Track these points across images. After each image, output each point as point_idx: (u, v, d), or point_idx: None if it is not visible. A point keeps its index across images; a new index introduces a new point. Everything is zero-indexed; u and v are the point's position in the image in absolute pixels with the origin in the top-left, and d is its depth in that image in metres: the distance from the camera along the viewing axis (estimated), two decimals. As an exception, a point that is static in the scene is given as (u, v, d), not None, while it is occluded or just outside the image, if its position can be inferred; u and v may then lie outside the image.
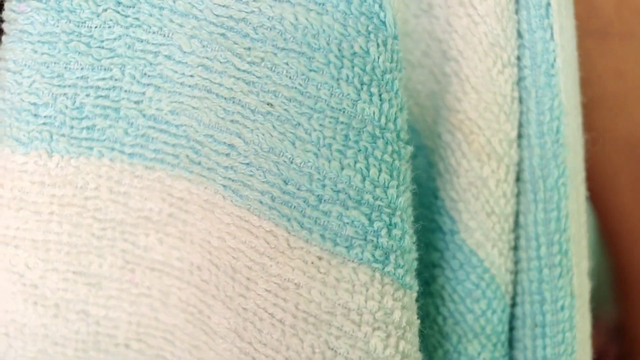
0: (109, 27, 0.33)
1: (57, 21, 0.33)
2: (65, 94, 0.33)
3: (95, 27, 0.33)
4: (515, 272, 0.35)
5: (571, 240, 0.34)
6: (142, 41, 0.33)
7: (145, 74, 0.33)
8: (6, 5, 0.33)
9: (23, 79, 0.33)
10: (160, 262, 0.34)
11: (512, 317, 0.35)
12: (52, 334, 0.34)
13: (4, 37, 0.34)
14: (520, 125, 0.34)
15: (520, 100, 0.34)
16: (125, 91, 0.33)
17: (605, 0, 0.39)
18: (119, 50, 0.33)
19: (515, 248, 0.35)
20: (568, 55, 0.34)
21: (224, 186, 0.33)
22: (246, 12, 0.31)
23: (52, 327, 0.34)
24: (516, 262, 0.35)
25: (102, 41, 0.33)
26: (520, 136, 0.34)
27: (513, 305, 0.35)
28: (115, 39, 0.33)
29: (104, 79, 0.33)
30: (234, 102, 0.32)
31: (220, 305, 0.33)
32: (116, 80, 0.33)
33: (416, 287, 0.31)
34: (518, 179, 0.34)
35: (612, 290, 0.53)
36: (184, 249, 0.34)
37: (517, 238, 0.35)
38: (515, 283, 0.35)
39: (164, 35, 0.33)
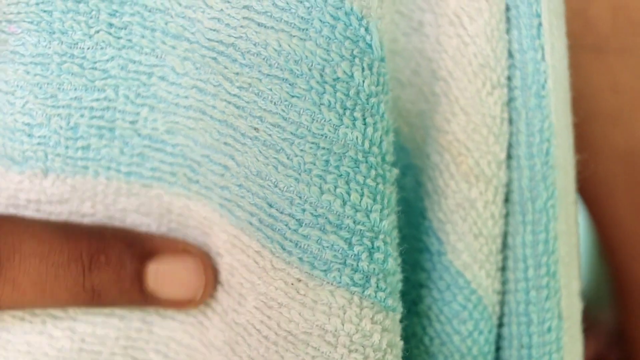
0: (102, 48, 0.33)
1: (49, 42, 0.33)
2: (59, 115, 0.33)
3: (88, 49, 0.33)
4: (503, 293, 0.35)
5: (560, 262, 0.34)
6: (135, 62, 0.33)
7: (139, 94, 0.33)
8: None
9: (16, 100, 0.33)
10: None
11: (499, 337, 0.35)
12: (34, 351, 0.34)
13: None
14: (510, 146, 0.34)
15: (510, 121, 0.34)
16: (120, 111, 0.34)
17: (601, 15, 0.38)
18: (112, 72, 0.33)
19: (503, 269, 0.35)
20: (559, 75, 0.34)
21: (220, 205, 0.33)
22: (234, 38, 0.31)
23: (35, 345, 0.34)
24: (504, 283, 0.35)
25: (95, 62, 0.33)
26: (509, 157, 0.34)
27: (500, 325, 0.35)
28: (108, 60, 0.33)
29: (97, 99, 0.33)
30: (226, 125, 0.32)
31: (218, 319, 0.34)
32: (110, 100, 0.34)
33: (400, 309, 0.32)
34: (507, 200, 0.34)
35: (611, 294, 0.53)
36: None
37: (505, 259, 0.35)
38: (502, 303, 0.35)
39: (157, 57, 0.33)
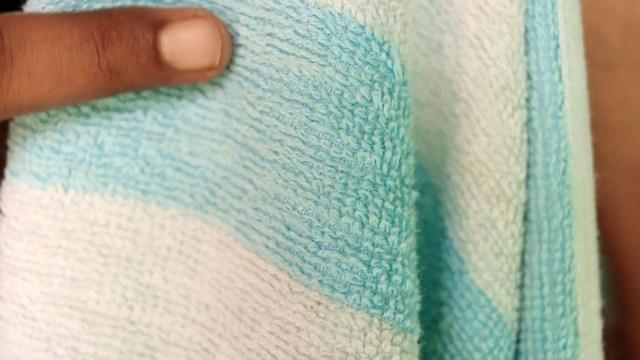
0: None
1: None
2: (88, 132, 0.34)
3: None
4: (520, 309, 0.35)
5: (576, 281, 0.34)
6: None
7: (167, 116, 0.34)
8: None
9: (49, 118, 0.34)
10: (164, 299, 0.35)
11: (516, 353, 0.35)
12: None
13: None
14: (528, 166, 0.35)
15: (528, 142, 0.34)
16: (146, 132, 0.34)
17: (612, 32, 0.39)
18: (144, 93, 0.34)
19: (521, 286, 0.35)
20: (577, 96, 0.34)
21: (236, 228, 0.33)
22: (258, 64, 0.32)
23: None
24: (521, 300, 0.35)
25: None
26: (527, 177, 0.35)
27: (517, 341, 0.35)
28: None
29: (127, 119, 0.34)
30: (247, 148, 0.33)
31: (226, 345, 0.34)
32: (139, 121, 0.34)
33: (418, 330, 0.32)
34: (525, 219, 0.35)
35: (611, 295, 0.53)
36: (192, 287, 0.35)
37: (522, 276, 0.35)
38: (519, 320, 0.35)
39: None
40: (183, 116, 0.34)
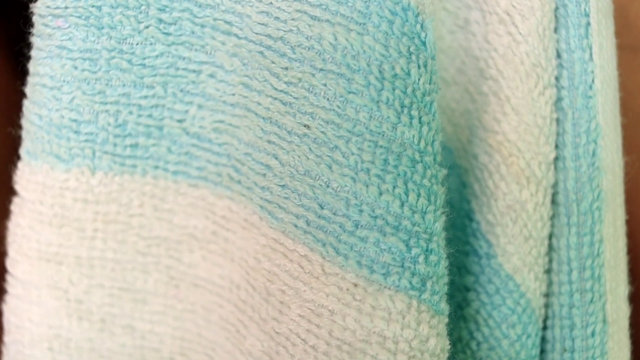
0: (151, 44, 0.32)
1: (97, 37, 0.32)
2: (107, 111, 0.33)
3: (137, 44, 0.32)
4: (547, 295, 0.34)
5: (605, 266, 0.33)
6: (184, 59, 0.32)
7: (188, 92, 0.32)
8: (37, 19, 0.32)
9: (62, 95, 0.32)
10: (204, 278, 0.34)
11: (543, 340, 0.34)
12: (98, 347, 0.34)
13: (35, 52, 0.32)
14: (556, 147, 0.33)
15: (557, 122, 0.33)
16: (169, 109, 0.33)
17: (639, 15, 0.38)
18: (161, 68, 0.32)
19: (548, 271, 0.34)
20: (607, 75, 0.33)
21: (261, 207, 0.32)
22: (284, 31, 0.30)
23: (97, 341, 0.34)
24: (548, 285, 0.34)
25: (144, 58, 0.32)
26: (556, 158, 0.34)
27: (544, 328, 0.34)
28: (157, 56, 0.32)
29: (146, 96, 0.33)
30: (270, 122, 0.31)
31: (255, 327, 0.32)
32: (159, 98, 0.33)
33: (447, 312, 0.31)
34: (553, 202, 0.34)
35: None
36: (225, 266, 0.33)
37: (550, 261, 0.34)
38: (546, 306, 0.34)
39: (207, 53, 0.32)
40: (204, 92, 0.32)
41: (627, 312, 0.34)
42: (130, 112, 0.33)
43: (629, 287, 0.34)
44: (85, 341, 0.34)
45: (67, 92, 0.32)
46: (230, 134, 0.32)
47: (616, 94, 0.34)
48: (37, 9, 0.32)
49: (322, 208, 0.30)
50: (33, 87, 0.33)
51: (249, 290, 0.32)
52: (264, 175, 0.31)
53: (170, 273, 0.34)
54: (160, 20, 0.32)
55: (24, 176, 0.33)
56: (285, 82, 0.30)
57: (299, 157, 0.30)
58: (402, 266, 0.29)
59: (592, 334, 0.33)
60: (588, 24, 0.33)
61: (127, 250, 0.34)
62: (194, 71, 0.32)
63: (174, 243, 0.34)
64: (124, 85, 0.32)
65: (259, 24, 0.31)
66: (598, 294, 0.33)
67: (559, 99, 0.33)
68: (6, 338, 0.35)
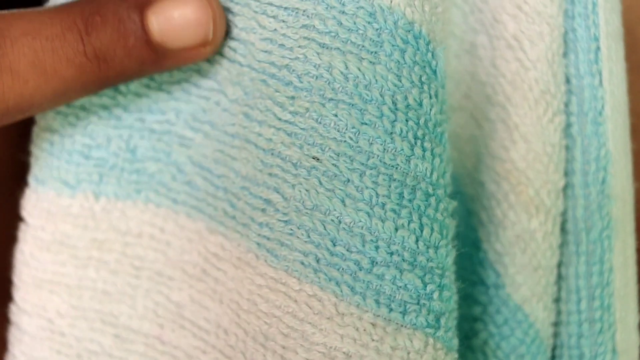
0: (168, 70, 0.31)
1: None
2: (120, 136, 0.32)
3: None
4: (556, 324, 0.34)
5: (615, 295, 0.33)
6: (197, 86, 0.32)
7: (197, 119, 0.32)
8: None
9: (78, 122, 0.32)
10: (190, 320, 0.33)
11: (551, 370, 0.34)
12: None
13: None
14: (565, 174, 0.33)
15: (566, 149, 0.33)
16: (178, 136, 0.32)
17: None
18: (176, 94, 0.32)
19: (557, 300, 0.33)
20: (617, 101, 0.33)
21: (258, 244, 0.30)
22: (290, 59, 0.29)
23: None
24: (557, 314, 0.34)
25: (161, 83, 0.32)
26: (565, 186, 0.33)
27: (552, 357, 0.34)
28: (173, 82, 0.32)
29: (159, 122, 0.32)
30: (272, 154, 0.30)
31: None
32: (171, 124, 0.32)
33: (457, 347, 0.30)
34: (562, 229, 0.33)
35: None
36: (212, 309, 0.32)
37: (559, 289, 0.33)
38: (555, 335, 0.34)
39: (216, 81, 0.31)
40: (210, 120, 0.32)
41: (637, 341, 0.34)
42: (142, 137, 0.32)
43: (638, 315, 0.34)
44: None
45: (83, 118, 0.32)
46: (227, 166, 0.31)
47: (626, 120, 0.33)
48: None
49: (335, 245, 0.29)
50: (44, 114, 0.32)
51: (240, 335, 0.31)
52: (263, 210, 0.30)
53: (157, 310, 0.33)
54: None
55: (31, 202, 0.33)
56: (291, 112, 0.29)
57: (307, 190, 0.29)
58: (419, 303, 0.28)
59: None
60: (598, 48, 0.32)
61: (117, 280, 0.33)
62: (204, 98, 0.32)
63: (166, 278, 0.33)
64: (140, 110, 0.32)
65: (262, 51, 0.30)
66: (607, 324, 0.33)
67: (568, 125, 0.33)
68: None
